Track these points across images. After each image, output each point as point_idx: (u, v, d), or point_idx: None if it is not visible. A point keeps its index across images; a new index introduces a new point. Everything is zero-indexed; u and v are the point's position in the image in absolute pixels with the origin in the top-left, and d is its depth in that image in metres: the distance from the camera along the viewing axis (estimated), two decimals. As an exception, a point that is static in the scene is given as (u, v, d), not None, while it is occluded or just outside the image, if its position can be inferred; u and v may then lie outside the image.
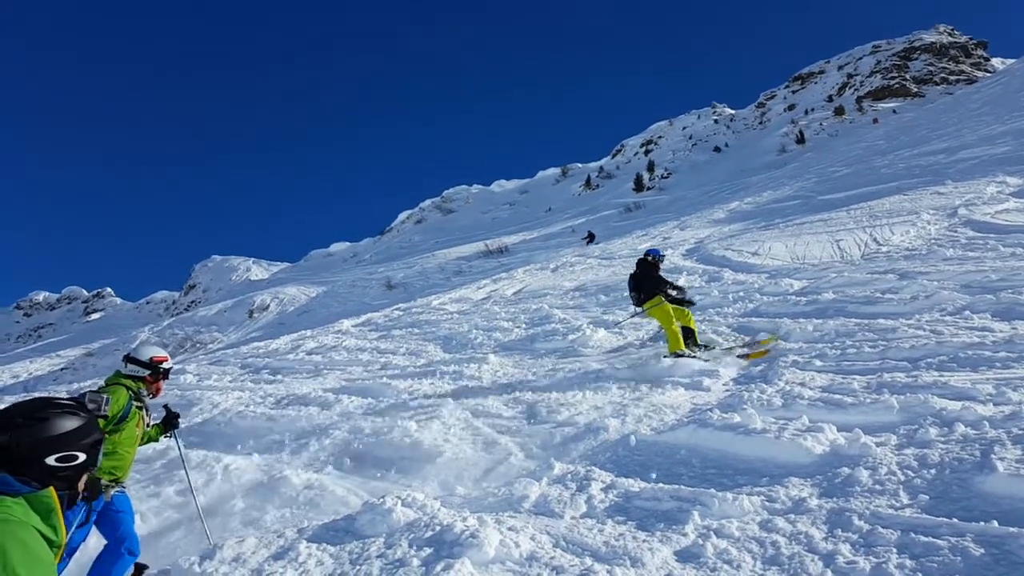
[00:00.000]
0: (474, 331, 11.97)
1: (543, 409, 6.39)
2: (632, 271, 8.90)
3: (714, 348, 8.12)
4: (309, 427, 7.32)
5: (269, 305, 46.06)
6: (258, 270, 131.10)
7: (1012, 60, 68.54)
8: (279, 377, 11.12)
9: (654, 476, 4.49)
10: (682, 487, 4.15)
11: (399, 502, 4.38)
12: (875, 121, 56.26)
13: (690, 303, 8.58)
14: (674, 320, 7.99)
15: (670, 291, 8.40)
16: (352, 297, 34.68)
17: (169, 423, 4.64)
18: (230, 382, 11.27)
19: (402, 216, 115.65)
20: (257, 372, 11.96)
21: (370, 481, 5.43)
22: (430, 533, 3.91)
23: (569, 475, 4.65)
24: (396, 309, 18.45)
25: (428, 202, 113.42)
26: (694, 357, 7.59)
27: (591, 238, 31.84)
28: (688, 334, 8.14)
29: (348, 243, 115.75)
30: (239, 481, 5.75)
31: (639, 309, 8.64)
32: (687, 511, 3.80)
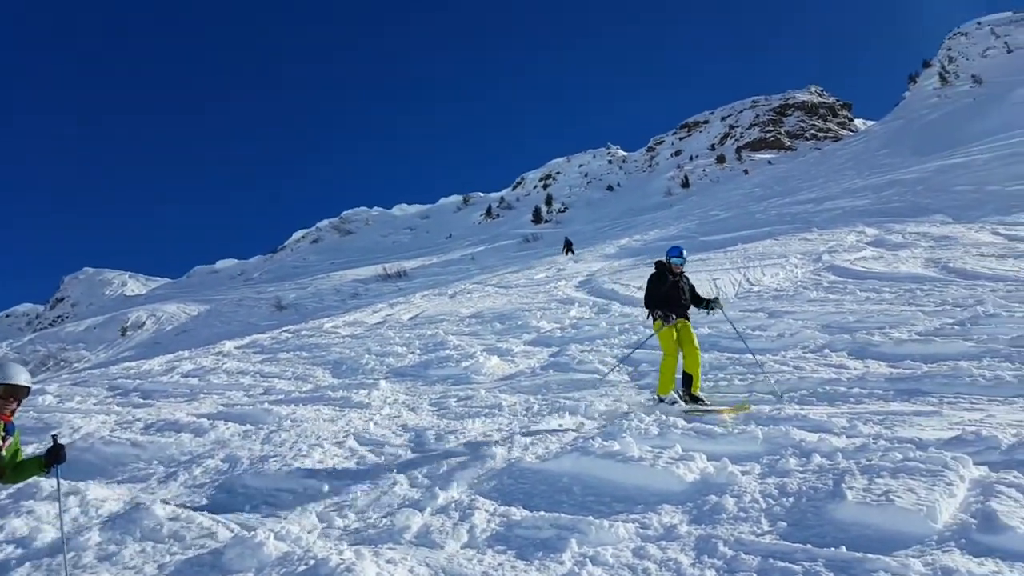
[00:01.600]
0: (366, 356, 11.74)
1: (431, 437, 6.34)
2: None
3: (706, 404, 6.45)
4: (180, 455, 6.89)
5: (145, 323, 43.25)
6: (135, 285, 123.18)
7: (872, 122, 75.88)
8: (150, 401, 10.40)
9: (536, 504, 4.56)
10: (562, 515, 4.23)
11: (271, 535, 4.20)
12: (746, 172, 60.45)
13: (708, 304, 7.14)
14: (674, 353, 6.70)
15: (658, 314, 6.82)
16: (237, 317, 33.22)
17: (53, 456, 3.95)
18: (95, 405, 10.42)
19: (297, 235, 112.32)
20: (126, 395, 11.14)
21: (243, 513, 5.16)
22: (303, 567, 3.78)
23: (453, 504, 4.64)
24: (284, 331, 17.79)
25: (326, 222, 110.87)
26: (676, 405, 6.46)
27: (569, 246, 31.54)
28: (687, 381, 6.72)
29: (236, 260, 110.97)
30: (96, 512, 5.29)
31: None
32: (566, 539, 3.88)
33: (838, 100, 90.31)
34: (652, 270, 7.27)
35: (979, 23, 74.88)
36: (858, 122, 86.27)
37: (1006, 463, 4.06)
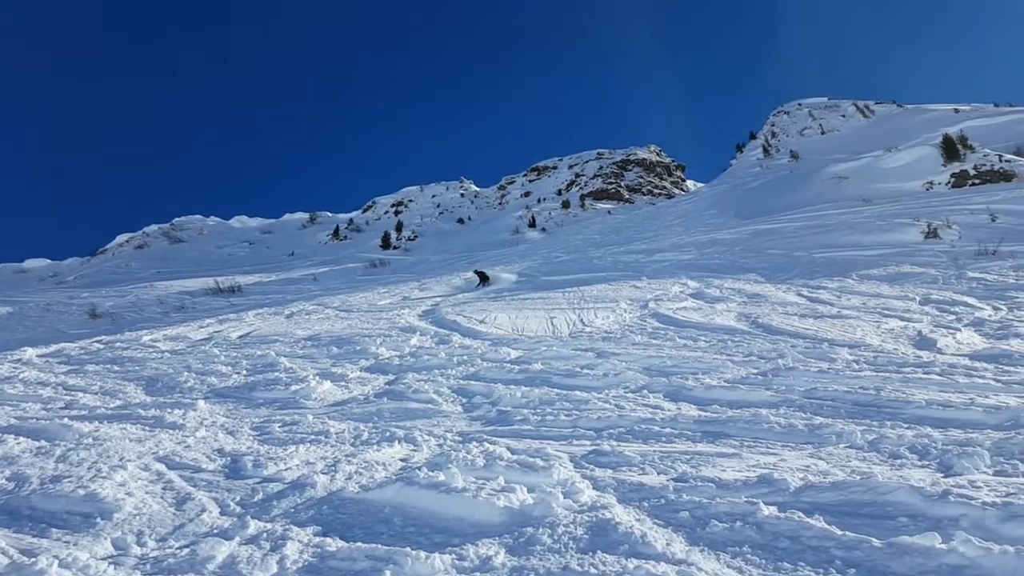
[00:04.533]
0: (185, 373, 10.94)
1: (249, 463, 6.04)
2: None
3: None
4: (-47, 472, 6.09)
5: (-78, 322, 37.33)
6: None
7: (702, 184, 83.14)
8: (-79, 411, 9.05)
9: (354, 535, 4.49)
10: (379, 546, 4.19)
11: (55, 562, 3.81)
12: (543, 230, 62.64)
13: None
14: None
15: None
16: (44, 323, 29.51)
17: None
18: None
19: (121, 238, 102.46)
20: None
21: (26, 537, 4.63)
22: (88, 600, 3.46)
23: (265, 534, 4.45)
24: (96, 342, 16.13)
25: (154, 227, 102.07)
26: None
27: (483, 278, 25.66)
28: None
29: (49, 261, 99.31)
30: None
31: None
32: (380, 570, 3.85)
33: (674, 161, 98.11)
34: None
35: (800, 104, 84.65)
36: (690, 183, 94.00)
37: (792, 504, 4.48)
